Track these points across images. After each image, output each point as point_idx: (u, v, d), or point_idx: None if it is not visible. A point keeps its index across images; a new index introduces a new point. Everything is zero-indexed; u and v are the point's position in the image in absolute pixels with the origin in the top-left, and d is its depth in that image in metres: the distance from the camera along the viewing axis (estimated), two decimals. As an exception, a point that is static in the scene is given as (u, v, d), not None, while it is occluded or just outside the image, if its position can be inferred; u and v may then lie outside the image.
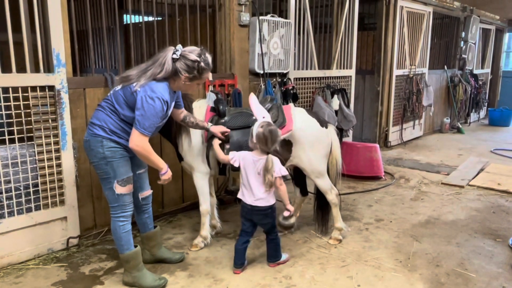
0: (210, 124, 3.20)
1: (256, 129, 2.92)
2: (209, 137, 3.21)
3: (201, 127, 3.17)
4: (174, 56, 2.63)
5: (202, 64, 2.67)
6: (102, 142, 2.64)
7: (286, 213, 3.09)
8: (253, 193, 2.98)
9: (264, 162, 2.92)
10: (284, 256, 3.19)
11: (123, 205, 2.75)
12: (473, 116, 10.60)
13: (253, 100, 3.11)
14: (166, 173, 2.74)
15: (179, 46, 2.67)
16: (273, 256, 3.15)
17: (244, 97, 4.53)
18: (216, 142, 3.14)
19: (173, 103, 2.83)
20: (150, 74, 2.59)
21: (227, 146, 3.20)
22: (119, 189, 2.70)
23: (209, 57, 2.73)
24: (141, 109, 2.54)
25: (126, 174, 2.72)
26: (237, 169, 3.09)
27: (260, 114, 3.05)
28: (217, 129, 3.16)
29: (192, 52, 2.66)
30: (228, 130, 3.19)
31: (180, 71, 2.63)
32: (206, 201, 3.40)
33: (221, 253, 3.37)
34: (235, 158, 3.01)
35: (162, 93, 2.59)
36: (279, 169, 2.96)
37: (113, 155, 2.65)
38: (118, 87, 2.69)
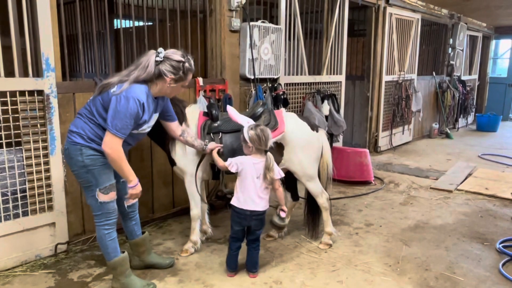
0: (205, 144, 3.17)
1: (247, 133, 2.95)
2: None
3: (197, 148, 3.16)
4: (158, 58, 2.58)
5: (187, 64, 2.65)
6: (81, 150, 2.57)
7: (282, 214, 3.11)
8: (252, 199, 2.97)
9: (264, 162, 2.97)
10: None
11: (107, 213, 2.70)
12: (461, 122, 10.74)
13: (232, 111, 3.11)
14: (135, 187, 2.62)
15: (160, 49, 2.63)
16: (256, 264, 3.11)
17: (235, 102, 4.54)
18: (214, 151, 3.17)
19: (155, 114, 2.78)
20: (133, 78, 2.55)
21: (221, 150, 3.22)
22: (101, 197, 2.65)
23: (191, 59, 2.71)
24: (113, 108, 2.47)
25: (108, 181, 2.66)
26: (232, 172, 3.08)
27: (244, 120, 3.07)
28: (212, 146, 3.17)
29: (175, 53, 2.64)
30: (220, 145, 3.21)
31: (165, 73, 2.59)
32: (197, 206, 3.39)
33: (211, 258, 3.35)
34: (232, 163, 3.02)
35: (137, 94, 2.52)
36: (278, 171, 3.02)
37: (93, 163, 2.59)
38: (97, 94, 2.62)
